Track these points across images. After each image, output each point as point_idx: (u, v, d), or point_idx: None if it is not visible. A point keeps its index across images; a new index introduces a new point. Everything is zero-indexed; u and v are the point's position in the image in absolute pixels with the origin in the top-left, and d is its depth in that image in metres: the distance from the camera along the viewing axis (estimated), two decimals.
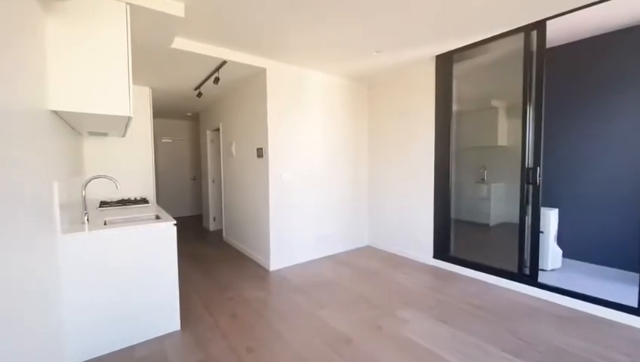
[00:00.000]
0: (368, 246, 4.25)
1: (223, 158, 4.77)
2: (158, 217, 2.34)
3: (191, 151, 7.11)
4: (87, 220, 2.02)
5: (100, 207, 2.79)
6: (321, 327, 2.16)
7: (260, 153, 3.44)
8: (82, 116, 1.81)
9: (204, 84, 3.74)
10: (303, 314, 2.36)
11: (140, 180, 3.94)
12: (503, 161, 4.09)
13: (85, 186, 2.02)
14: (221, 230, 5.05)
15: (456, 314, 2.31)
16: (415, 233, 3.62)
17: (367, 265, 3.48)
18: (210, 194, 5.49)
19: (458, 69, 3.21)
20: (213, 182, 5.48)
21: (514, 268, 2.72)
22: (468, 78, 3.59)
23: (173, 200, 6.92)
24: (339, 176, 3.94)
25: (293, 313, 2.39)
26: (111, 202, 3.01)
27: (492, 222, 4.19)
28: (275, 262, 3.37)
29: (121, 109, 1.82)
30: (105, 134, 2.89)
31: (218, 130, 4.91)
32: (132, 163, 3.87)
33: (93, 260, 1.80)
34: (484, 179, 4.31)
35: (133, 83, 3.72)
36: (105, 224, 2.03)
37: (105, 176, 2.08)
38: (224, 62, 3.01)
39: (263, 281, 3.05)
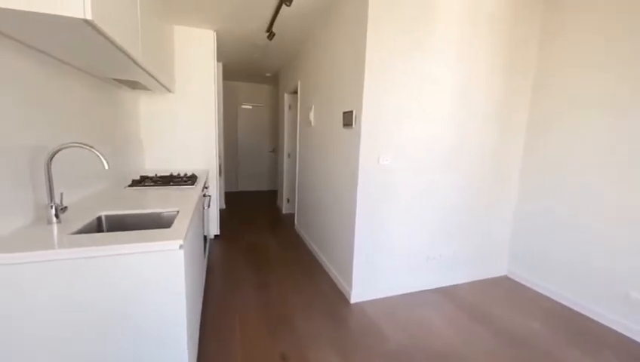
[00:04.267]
0: (507, 278, 2.68)
1: (299, 128, 3.73)
2: (173, 215, 1.41)
3: (270, 119, 6.39)
4: (57, 217, 1.19)
5: (130, 185, 2.06)
6: None
7: (347, 120, 2.20)
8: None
9: (277, 18, 2.63)
10: None
11: (201, 149, 3.22)
12: None
13: (51, 159, 1.19)
14: (294, 215, 4.16)
15: None
16: (626, 281, 1.91)
17: (520, 325, 1.99)
18: (285, 170, 4.63)
19: None
20: (289, 156, 4.56)
21: None
22: None
23: (251, 172, 6.44)
24: (470, 164, 2.41)
25: None
26: (148, 178, 2.28)
27: None
28: (360, 290, 2.20)
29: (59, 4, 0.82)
30: (135, 84, 2.08)
31: (296, 92, 3.85)
32: (192, 128, 3.15)
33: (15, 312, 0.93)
34: None
35: (191, 24, 2.87)
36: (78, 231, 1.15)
37: (78, 145, 1.21)
38: None
39: (337, 326, 1.94)
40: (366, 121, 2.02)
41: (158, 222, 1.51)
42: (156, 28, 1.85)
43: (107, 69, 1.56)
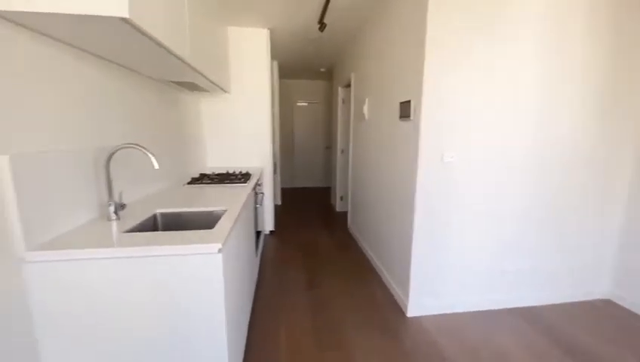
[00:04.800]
0: (610, 303, 2.13)
1: (352, 123, 3.55)
2: (219, 216, 1.39)
3: (325, 115, 6.33)
4: (116, 213, 1.26)
5: (189, 183, 2.17)
6: None
7: (405, 111, 1.96)
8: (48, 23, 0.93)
9: (328, 8, 2.49)
10: None
11: (257, 147, 3.29)
12: None
13: (109, 160, 1.26)
14: (347, 213, 4.02)
15: None
16: None
17: None
18: (338, 167, 4.51)
19: None
20: (342, 153, 4.42)
21: None
22: None
23: (307, 168, 6.49)
24: (558, 165, 1.94)
25: None
26: (206, 176, 2.38)
27: None
28: (418, 303, 1.96)
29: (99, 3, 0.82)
30: (193, 86, 2.16)
31: (350, 85, 3.68)
32: (249, 126, 3.24)
33: (71, 301, 0.98)
34: None
35: (245, 25, 2.92)
36: (127, 232, 1.20)
37: (132, 146, 1.25)
38: None
39: (391, 341, 1.74)
40: (427, 111, 1.76)
41: (207, 220, 1.52)
42: (208, 29, 1.89)
43: (162, 70, 1.63)
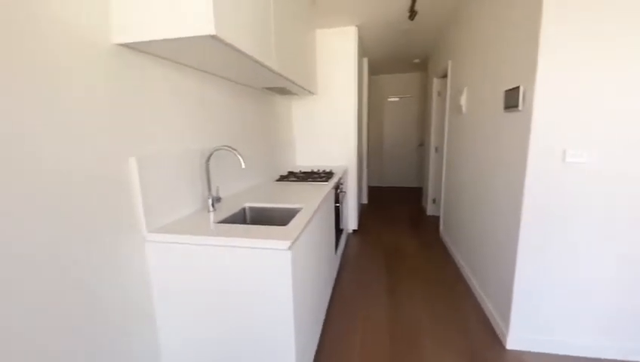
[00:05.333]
0: None
1: (448, 117, 3.18)
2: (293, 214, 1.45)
3: (419, 110, 5.89)
4: (213, 206, 1.47)
5: (278, 180, 2.35)
6: None
7: (511, 100, 1.61)
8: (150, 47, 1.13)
9: None
10: None
11: (343, 145, 3.33)
12: None
13: (208, 160, 1.46)
14: (439, 218, 3.65)
15: None
16: None
17: None
18: (431, 167, 4.13)
19: None
20: (436, 151, 4.02)
21: None
22: None
23: (397, 167, 6.21)
24: None
25: None
26: (293, 174, 2.53)
27: None
28: (521, 335, 1.61)
29: (189, 24, 0.96)
30: (283, 90, 2.32)
31: (446, 75, 3.30)
32: (335, 125, 3.31)
33: (177, 277, 1.19)
34: None
35: (333, 25, 2.96)
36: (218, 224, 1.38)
37: (225, 148, 1.42)
38: None
39: None
40: (541, 98, 1.40)
41: (287, 215, 1.61)
42: (294, 36, 1.99)
43: (253, 78, 1.80)
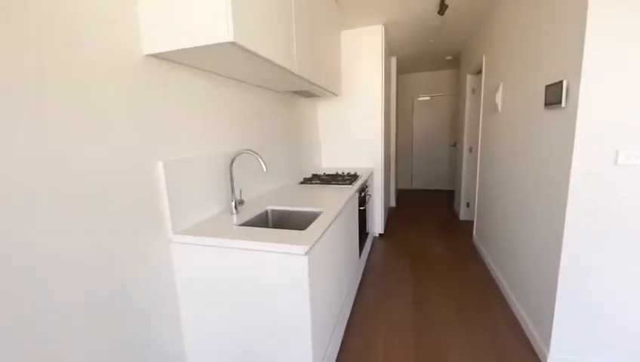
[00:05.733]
0: None
1: (482, 116, 2.99)
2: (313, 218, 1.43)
3: (451, 109, 5.62)
4: (236, 208, 1.50)
5: (301, 182, 2.36)
6: None
7: (553, 96, 1.46)
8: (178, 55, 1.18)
9: None
10: None
11: (368, 147, 3.27)
12: None
13: (232, 163, 1.49)
14: (472, 223, 3.44)
15: None
16: None
17: None
18: (464, 168, 3.91)
19: None
20: (471, 151, 3.80)
21: None
22: None
23: (427, 169, 5.97)
24: None
25: None
26: (316, 176, 2.52)
27: None
28: (565, 357, 1.45)
29: (209, 33, 0.99)
30: (306, 93, 2.32)
31: (480, 71, 3.11)
32: (361, 127, 3.26)
33: (200, 278, 1.23)
34: None
35: (358, 25, 2.92)
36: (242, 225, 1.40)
37: (247, 152, 1.44)
38: None
39: None
40: (589, 93, 1.26)
41: (307, 219, 1.60)
42: (316, 38, 1.98)
43: (276, 81, 1.82)
